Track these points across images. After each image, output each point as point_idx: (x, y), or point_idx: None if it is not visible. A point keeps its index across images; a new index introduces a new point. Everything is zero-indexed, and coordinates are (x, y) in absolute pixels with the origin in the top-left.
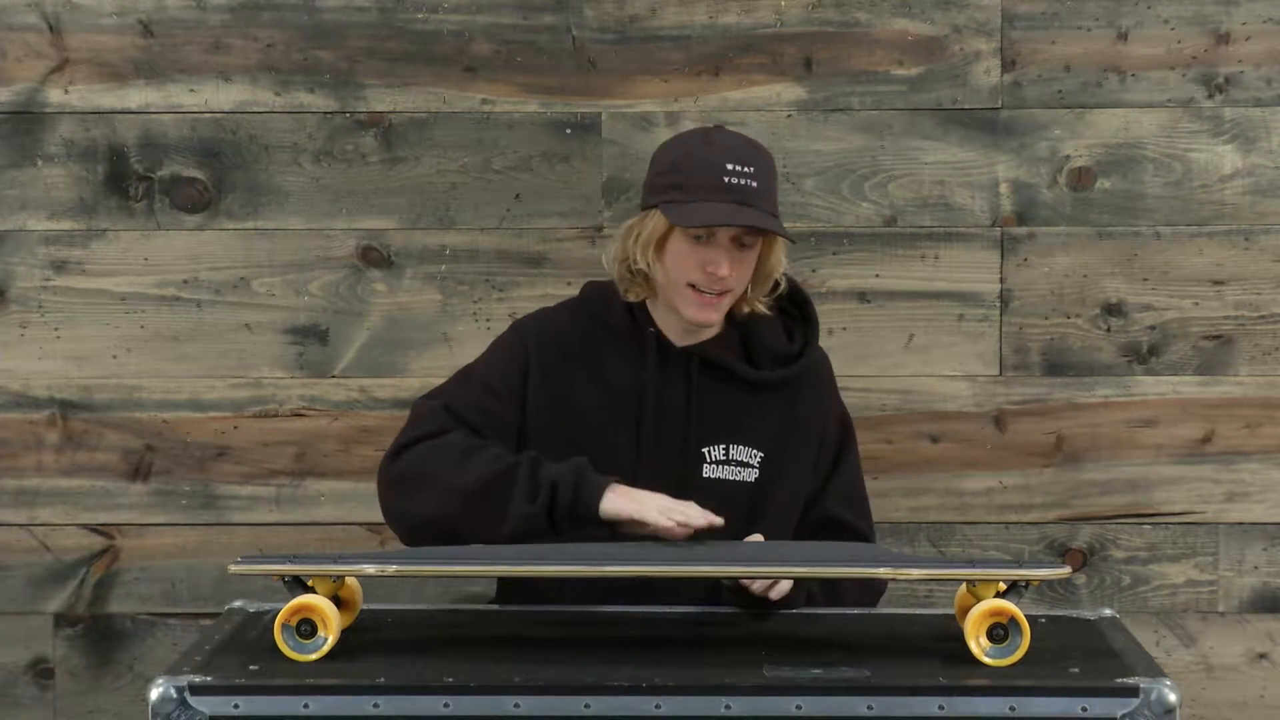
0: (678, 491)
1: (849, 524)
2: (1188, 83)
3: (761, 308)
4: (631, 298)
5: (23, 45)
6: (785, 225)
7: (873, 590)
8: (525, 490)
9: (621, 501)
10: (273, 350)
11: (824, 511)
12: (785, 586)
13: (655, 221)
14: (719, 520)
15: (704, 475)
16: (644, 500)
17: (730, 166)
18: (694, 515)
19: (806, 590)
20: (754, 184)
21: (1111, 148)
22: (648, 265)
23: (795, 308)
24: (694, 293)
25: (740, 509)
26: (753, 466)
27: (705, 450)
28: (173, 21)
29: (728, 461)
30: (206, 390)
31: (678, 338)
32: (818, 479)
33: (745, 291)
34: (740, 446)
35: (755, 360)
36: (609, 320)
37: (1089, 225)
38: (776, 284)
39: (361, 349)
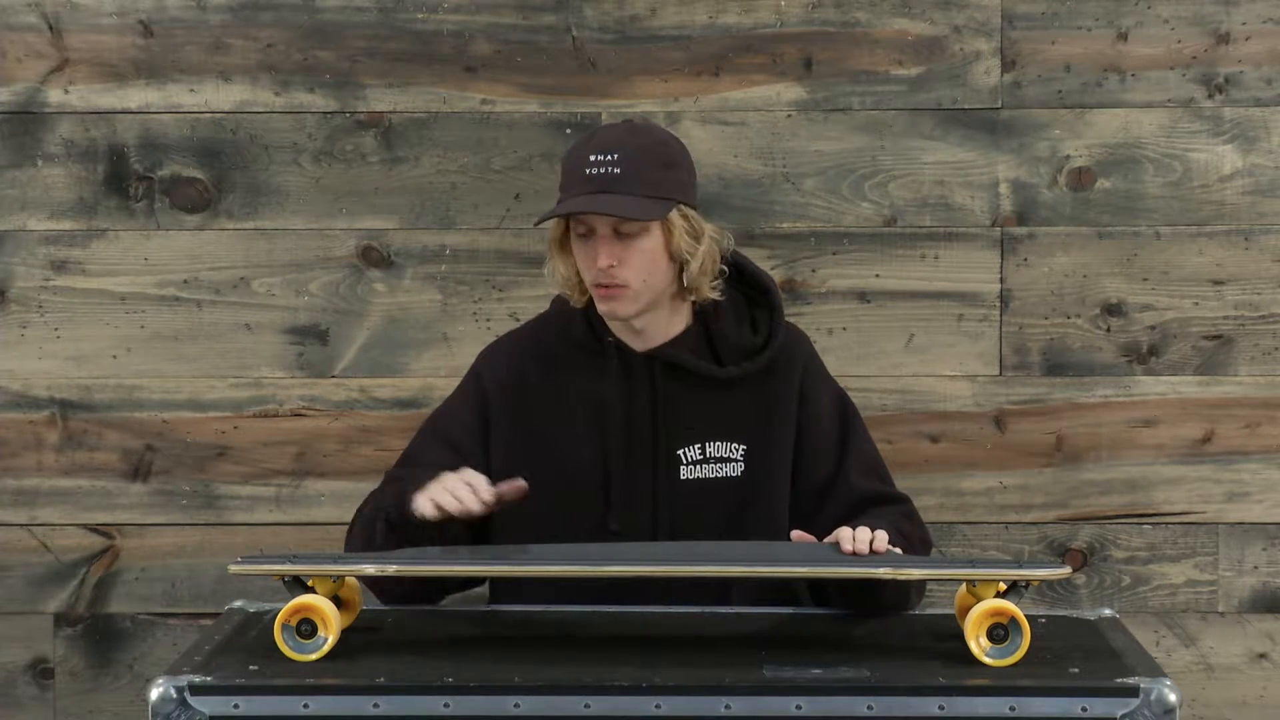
0: (658, 498)
1: (883, 494)
2: (1188, 83)
3: (711, 294)
4: (576, 304)
5: (23, 45)
6: (786, 225)
7: (904, 591)
8: (380, 531)
9: (423, 505)
10: (273, 350)
11: (852, 490)
12: (882, 541)
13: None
14: (521, 483)
15: (682, 478)
16: (431, 489)
17: (593, 158)
18: (464, 496)
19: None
20: (616, 170)
21: (1111, 148)
22: (565, 271)
23: (760, 295)
24: (597, 289)
25: (728, 504)
26: (736, 460)
27: (680, 453)
28: (173, 21)
29: (705, 460)
30: (206, 390)
31: (638, 343)
32: (829, 462)
33: (683, 282)
34: (717, 443)
35: (721, 356)
36: (570, 334)
37: (1089, 225)
38: (723, 271)
39: (361, 349)
